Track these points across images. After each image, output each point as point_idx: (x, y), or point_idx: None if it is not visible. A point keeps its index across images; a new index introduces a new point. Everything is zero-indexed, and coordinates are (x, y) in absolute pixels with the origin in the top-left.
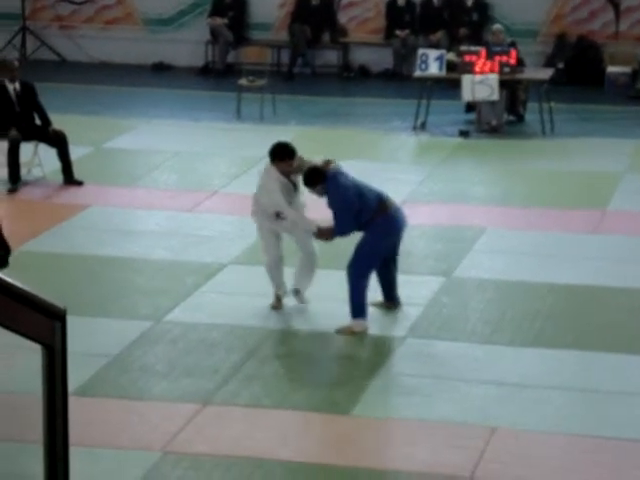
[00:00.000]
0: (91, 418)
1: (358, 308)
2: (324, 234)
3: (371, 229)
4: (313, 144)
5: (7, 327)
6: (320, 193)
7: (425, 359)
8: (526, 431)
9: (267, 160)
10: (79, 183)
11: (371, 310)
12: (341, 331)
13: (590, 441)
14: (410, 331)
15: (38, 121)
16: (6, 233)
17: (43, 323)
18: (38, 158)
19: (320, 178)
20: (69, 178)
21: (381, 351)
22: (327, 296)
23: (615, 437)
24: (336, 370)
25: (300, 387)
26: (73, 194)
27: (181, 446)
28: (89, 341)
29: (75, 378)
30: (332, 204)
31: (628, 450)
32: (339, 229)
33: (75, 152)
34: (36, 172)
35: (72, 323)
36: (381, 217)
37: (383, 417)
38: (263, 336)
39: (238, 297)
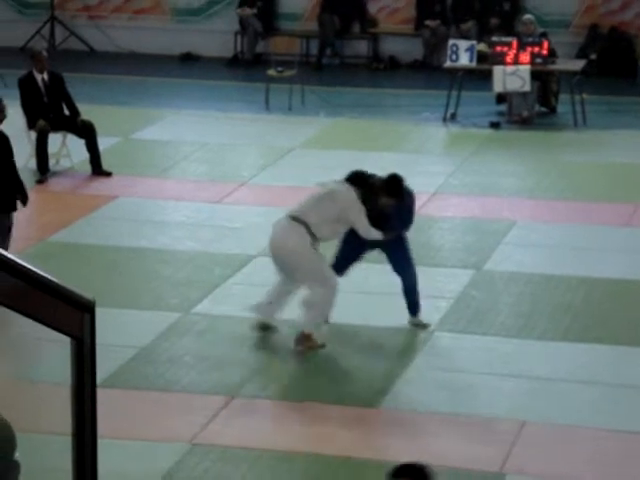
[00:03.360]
0: (119, 410)
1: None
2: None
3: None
4: (342, 136)
5: (36, 319)
6: (394, 204)
7: (454, 353)
8: (555, 425)
9: (340, 181)
10: (107, 174)
11: (400, 304)
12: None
13: (620, 436)
14: (439, 324)
15: (66, 111)
16: (35, 224)
17: (72, 315)
18: (66, 149)
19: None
20: (97, 169)
21: (410, 344)
22: (354, 289)
23: None
24: (364, 363)
25: (328, 380)
26: (101, 185)
27: (209, 438)
28: (117, 332)
29: (103, 370)
30: (401, 215)
31: None
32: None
33: (103, 142)
34: (64, 163)
35: (100, 314)
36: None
37: (412, 411)
38: (291, 328)
39: (266, 289)
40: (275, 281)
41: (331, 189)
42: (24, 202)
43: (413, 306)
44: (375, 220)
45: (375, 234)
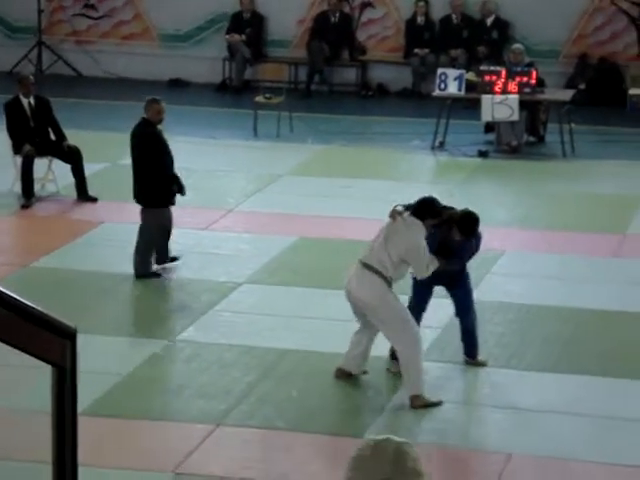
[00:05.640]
0: (102, 438)
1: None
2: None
3: (468, 275)
4: (330, 163)
5: (16, 346)
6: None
7: (442, 383)
8: (543, 458)
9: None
10: (93, 199)
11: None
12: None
13: (609, 468)
14: (426, 354)
15: (53, 136)
16: (20, 249)
17: (53, 342)
18: (52, 173)
19: None
20: (83, 194)
21: (397, 374)
22: (340, 316)
23: (633, 465)
24: (351, 392)
25: (314, 409)
26: (87, 210)
27: (193, 467)
28: (102, 359)
29: (87, 397)
30: (470, 249)
31: None
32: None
33: (90, 168)
34: (50, 187)
35: (85, 341)
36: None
37: None
38: (278, 357)
39: (253, 317)
40: (355, 330)
41: (397, 229)
42: None
43: (471, 348)
44: (438, 250)
45: (432, 268)
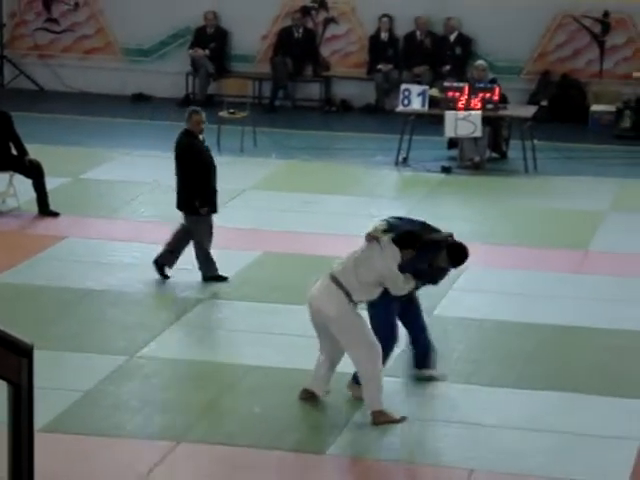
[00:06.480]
0: (61, 455)
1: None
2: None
3: None
4: (294, 178)
5: None
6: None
7: (403, 399)
8: (504, 474)
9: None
10: (55, 214)
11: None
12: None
13: None
14: (388, 370)
15: (14, 151)
16: None
17: (9, 359)
18: (13, 188)
19: None
20: (44, 209)
21: (359, 400)
22: (303, 332)
23: None
24: (314, 409)
25: (277, 426)
26: (49, 225)
27: None
28: (61, 375)
29: (45, 413)
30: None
31: None
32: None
33: (52, 182)
34: (11, 202)
35: (45, 357)
36: None
37: (358, 458)
38: (239, 372)
39: (215, 332)
40: (319, 354)
41: (371, 254)
42: None
43: (426, 359)
44: (418, 272)
45: (408, 288)
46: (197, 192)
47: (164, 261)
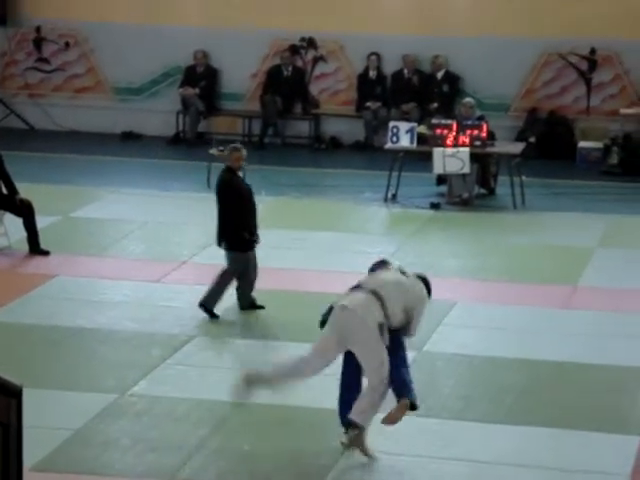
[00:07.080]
0: None
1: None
2: None
3: None
4: (283, 215)
5: None
6: None
7: (394, 435)
8: None
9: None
10: (45, 253)
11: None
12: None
13: None
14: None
15: (4, 190)
16: None
17: None
18: (4, 227)
19: None
20: (35, 248)
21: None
22: None
23: None
24: (305, 445)
25: (266, 463)
26: (39, 264)
27: None
28: (51, 414)
29: (37, 452)
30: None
31: None
32: None
33: (42, 221)
34: (2, 241)
35: (35, 396)
36: None
37: None
38: (230, 410)
39: (205, 370)
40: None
41: (410, 282)
42: None
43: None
44: None
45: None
46: (241, 225)
47: (210, 303)
